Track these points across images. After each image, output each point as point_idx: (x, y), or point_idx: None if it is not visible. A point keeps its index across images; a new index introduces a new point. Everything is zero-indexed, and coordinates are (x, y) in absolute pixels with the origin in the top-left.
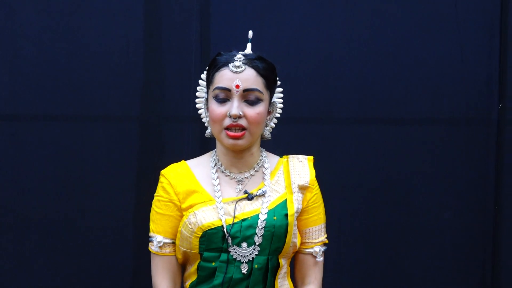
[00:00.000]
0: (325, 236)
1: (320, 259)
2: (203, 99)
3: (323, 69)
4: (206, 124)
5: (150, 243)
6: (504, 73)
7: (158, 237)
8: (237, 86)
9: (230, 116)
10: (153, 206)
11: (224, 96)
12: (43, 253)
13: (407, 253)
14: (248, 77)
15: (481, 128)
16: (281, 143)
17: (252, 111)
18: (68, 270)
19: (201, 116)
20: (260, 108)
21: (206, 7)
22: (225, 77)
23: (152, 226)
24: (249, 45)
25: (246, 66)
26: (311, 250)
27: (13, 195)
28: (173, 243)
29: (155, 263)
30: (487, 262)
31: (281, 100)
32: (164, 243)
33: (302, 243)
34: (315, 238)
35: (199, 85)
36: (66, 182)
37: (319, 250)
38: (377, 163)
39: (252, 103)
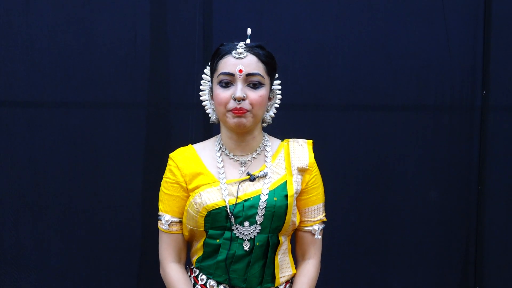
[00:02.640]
0: (324, 214)
1: (319, 236)
2: (206, 92)
3: (317, 59)
4: (210, 115)
5: (159, 221)
6: (487, 62)
7: (166, 216)
8: (240, 71)
9: (235, 99)
10: (162, 187)
11: (228, 81)
12: (57, 232)
13: (396, 230)
14: (250, 63)
15: (466, 114)
16: (278, 127)
17: (255, 94)
18: (80, 246)
19: (205, 107)
20: (262, 91)
21: (208, 1)
22: (229, 63)
23: (160, 205)
24: (248, 41)
25: (248, 53)
26: (310, 228)
27: (29, 177)
28: (180, 221)
29: (162, 240)
30: (471, 238)
31: (279, 92)
32: (172, 221)
33: (301, 222)
34: (314, 217)
35: (202, 79)
36: (79, 164)
37: (318, 228)
38: (368, 147)
39: (255, 86)
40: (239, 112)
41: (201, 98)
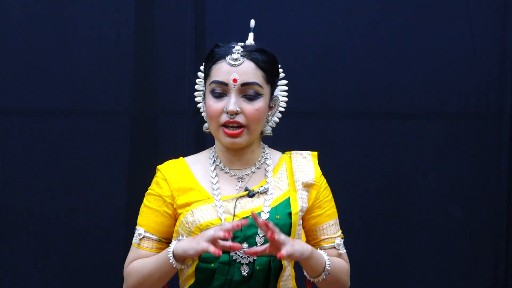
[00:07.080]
0: (340, 231)
1: (344, 250)
2: (201, 92)
3: (324, 61)
4: (205, 119)
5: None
6: None
7: (140, 229)
8: (235, 80)
9: (227, 112)
10: (144, 199)
11: (221, 91)
12: (32, 250)
13: (413, 252)
14: (247, 70)
15: (493, 122)
16: (280, 137)
17: (251, 107)
18: (58, 267)
19: (200, 110)
20: (260, 103)
21: None
22: (222, 70)
23: (138, 218)
24: (251, 35)
25: (245, 59)
26: (332, 244)
27: (1, 190)
28: (157, 240)
29: (131, 254)
30: (500, 264)
31: (286, 94)
32: (144, 236)
33: (321, 240)
34: (334, 233)
35: (198, 78)
36: (56, 178)
37: (341, 242)
38: (381, 159)
39: (251, 98)
40: (233, 133)
41: (196, 99)
